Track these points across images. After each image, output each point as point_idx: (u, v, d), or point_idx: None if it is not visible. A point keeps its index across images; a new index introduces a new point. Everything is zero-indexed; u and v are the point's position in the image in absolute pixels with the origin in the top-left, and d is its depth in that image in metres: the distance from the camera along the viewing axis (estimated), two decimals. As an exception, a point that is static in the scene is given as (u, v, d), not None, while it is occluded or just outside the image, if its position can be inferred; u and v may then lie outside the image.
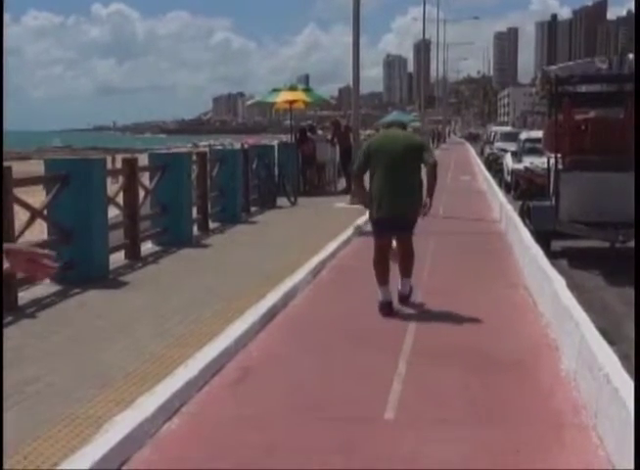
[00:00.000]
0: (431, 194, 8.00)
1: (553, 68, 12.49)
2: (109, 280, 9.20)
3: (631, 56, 11.97)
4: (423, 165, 8.00)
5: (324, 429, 4.89)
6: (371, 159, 8.07)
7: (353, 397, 5.46)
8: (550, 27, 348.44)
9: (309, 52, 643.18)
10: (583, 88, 13.95)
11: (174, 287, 8.91)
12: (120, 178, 11.06)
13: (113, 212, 10.69)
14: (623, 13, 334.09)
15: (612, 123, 13.29)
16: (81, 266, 8.90)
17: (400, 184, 7.90)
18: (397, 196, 7.88)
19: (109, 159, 22.40)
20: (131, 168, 10.80)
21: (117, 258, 10.26)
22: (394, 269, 8.32)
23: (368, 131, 56.10)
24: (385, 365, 6.14)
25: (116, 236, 10.43)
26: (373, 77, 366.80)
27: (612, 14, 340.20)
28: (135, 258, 10.58)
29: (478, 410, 5.21)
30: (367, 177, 8.33)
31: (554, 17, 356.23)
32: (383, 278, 8.06)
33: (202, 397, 5.48)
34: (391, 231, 8.15)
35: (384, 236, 8.16)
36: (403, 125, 8.87)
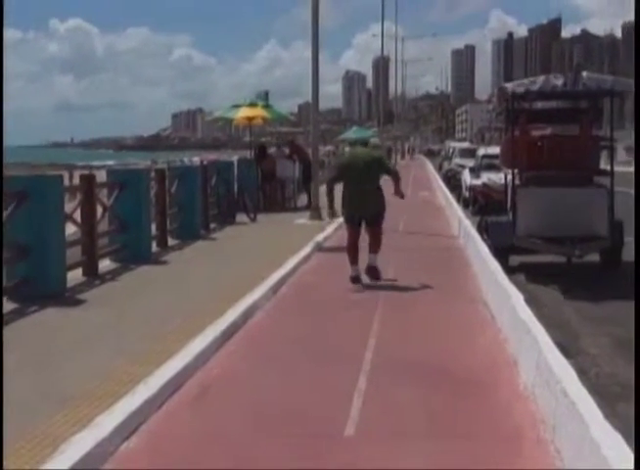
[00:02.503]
0: (398, 186, 10.64)
1: (509, 84, 12.62)
2: (66, 298, 9.11)
3: (585, 73, 12.16)
4: (386, 174, 10.72)
5: (284, 446, 4.87)
6: (343, 172, 10.64)
7: (314, 413, 5.45)
8: (506, 45, 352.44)
9: (270, 68, 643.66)
10: (539, 105, 14.15)
11: (133, 304, 8.85)
12: (78, 195, 10.97)
13: (70, 229, 10.59)
14: (577, 31, 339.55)
15: (567, 140, 13.48)
16: (38, 284, 8.80)
17: (365, 189, 10.36)
18: (363, 198, 10.37)
19: (66, 175, 22.23)
20: (89, 185, 10.73)
21: (75, 276, 10.17)
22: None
23: (328, 147, 56.30)
24: (345, 381, 6.13)
25: (74, 253, 10.34)
26: (333, 93, 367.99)
27: (566, 32, 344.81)
28: (93, 275, 10.49)
29: (437, 426, 5.22)
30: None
31: (510, 35, 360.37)
32: (353, 259, 10.44)
33: (161, 415, 5.43)
34: (359, 223, 10.59)
35: (353, 227, 10.65)
36: (365, 143, 12.46)
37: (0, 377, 4.00)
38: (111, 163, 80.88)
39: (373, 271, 10.54)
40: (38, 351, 6.82)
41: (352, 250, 10.53)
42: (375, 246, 10.59)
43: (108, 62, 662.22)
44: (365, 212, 10.49)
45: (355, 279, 10.36)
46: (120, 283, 10.33)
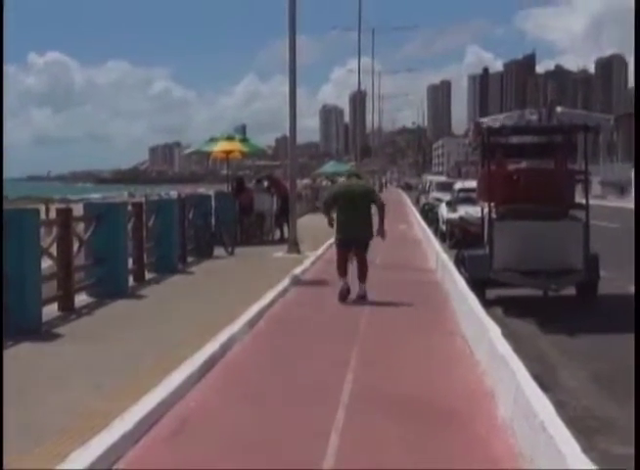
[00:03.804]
0: (382, 222, 11.90)
1: (485, 119, 12.75)
2: (42, 332, 9.03)
3: (559, 108, 12.30)
4: (374, 204, 11.89)
5: (262, 481, 4.84)
6: (337, 200, 11.93)
7: (292, 448, 5.42)
8: (482, 80, 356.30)
9: (248, 102, 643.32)
10: (515, 139, 14.29)
11: (109, 339, 8.78)
12: (54, 228, 10.92)
13: (46, 263, 10.52)
14: (552, 67, 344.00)
15: (543, 173, 13.60)
16: (13, 318, 8.70)
17: (357, 216, 11.66)
18: (355, 224, 11.69)
19: (42, 208, 22.11)
20: (65, 218, 10.68)
21: (51, 310, 10.08)
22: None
23: (305, 180, 56.53)
24: (323, 416, 6.11)
25: (50, 287, 10.26)
26: (310, 127, 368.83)
27: (541, 68, 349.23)
28: (69, 309, 10.40)
29: (416, 460, 5.20)
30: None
31: (485, 70, 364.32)
32: (342, 273, 11.75)
33: (138, 450, 5.37)
34: (349, 247, 11.85)
35: (344, 250, 11.95)
36: (357, 175, 13.78)
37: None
38: (97, 196, 79.81)
39: (363, 298, 11.67)
40: (13, 386, 6.73)
41: (342, 267, 11.81)
42: (363, 273, 11.78)
43: (86, 95, 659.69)
44: (356, 237, 11.78)
45: (343, 291, 11.61)
46: (97, 318, 10.26)
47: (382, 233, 12.03)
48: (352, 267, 12.11)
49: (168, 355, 7.72)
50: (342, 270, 11.84)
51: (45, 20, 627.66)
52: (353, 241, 11.86)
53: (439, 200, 28.24)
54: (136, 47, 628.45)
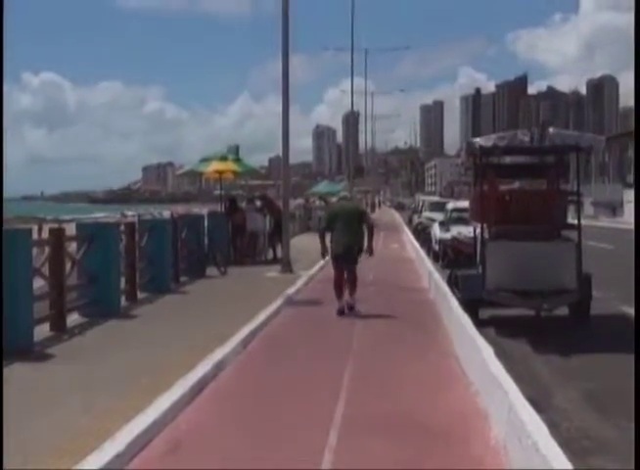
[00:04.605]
0: (370, 242, 12.98)
1: (477, 139, 12.77)
2: (33, 353, 8.98)
3: (551, 129, 12.34)
4: (365, 225, 12.91)
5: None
6: (333, 219, 12.80)
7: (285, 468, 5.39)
8: (474, 101, 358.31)
9: (242, 121, 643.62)
10: (507, 160, 14.32)
11: (101, 359, 8.74)
12: (46, 248, 10.88)
13: (38, 283, 10.48)
14: (544, 88, 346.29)
15: (535, 194, 13.63)
16: (5, 339, 8.65)
17: (350, 234, 12.57)
18: (348, 241, 12.54)
19: (35, 228, 22.02)
20: (58, 238, 10.65)
21: (42, 330, 10.04)
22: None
23: (298, 200, 56.53)
24: (316, 436, 6.08)
25: (42, 307, 10.21)
26: (304, 147, 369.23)
27: (533, 89, 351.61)
28: (61, 329, 10.36)
29: (409, 481, 5.18)
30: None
31: (478, 91, 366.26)
32: (339, 294, 12.67)
33: (129, 472, 5.34)
34: (344, 263, 12.72)
35: (340, 266, 12.81)
36: (347, 198, 15.97)
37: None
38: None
39: (352, 309, 12.54)
40: (4, 406, 6.70)
41: (338, 288, 12.71)
42: (353, 287, 12.73)
43: (80, 115, 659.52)
44: (348, 253, 12.61)
45: (341, 311, 12.52)
46: (89, 338, 10.21)
47: (370, 251, 13.01)
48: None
49: (160, 376, 7.68)
50: (339, 291, 12.68)
51: (39, 39, 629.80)
52: (346, 255, 12.66)
53: (432, 220, 28.31)
54: (129, 67, 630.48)
